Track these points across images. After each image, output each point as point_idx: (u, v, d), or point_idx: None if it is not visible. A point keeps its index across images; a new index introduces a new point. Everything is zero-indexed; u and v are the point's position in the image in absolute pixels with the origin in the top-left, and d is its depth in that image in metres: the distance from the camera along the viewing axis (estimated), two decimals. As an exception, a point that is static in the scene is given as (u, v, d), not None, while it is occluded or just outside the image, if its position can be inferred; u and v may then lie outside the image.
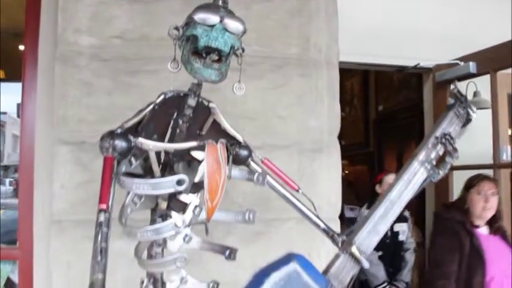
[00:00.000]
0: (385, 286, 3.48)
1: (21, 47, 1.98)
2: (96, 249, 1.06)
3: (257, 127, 1.90)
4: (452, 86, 1.64)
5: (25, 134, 1.89)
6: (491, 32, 3.21)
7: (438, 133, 1.51)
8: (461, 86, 3.96)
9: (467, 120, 1.59)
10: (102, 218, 1.09)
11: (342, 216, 5.51)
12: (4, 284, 2.16)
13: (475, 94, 3.91)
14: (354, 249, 1.33)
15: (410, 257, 3.69)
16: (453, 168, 3.86)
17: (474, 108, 1.59)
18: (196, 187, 1.29)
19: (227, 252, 1.37)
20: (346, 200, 5.62)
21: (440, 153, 1.50)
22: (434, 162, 1.48)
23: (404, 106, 4.87)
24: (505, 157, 3.68)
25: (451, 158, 1.48)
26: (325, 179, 1.99)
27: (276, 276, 1.18)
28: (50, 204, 1.81)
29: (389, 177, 3.61)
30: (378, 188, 3.71)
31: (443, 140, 1.47)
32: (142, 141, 1.21)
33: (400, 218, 3.32)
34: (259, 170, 1.41)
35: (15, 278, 2.09)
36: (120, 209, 1.29)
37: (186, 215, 1.29)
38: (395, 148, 5.08)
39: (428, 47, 3.53)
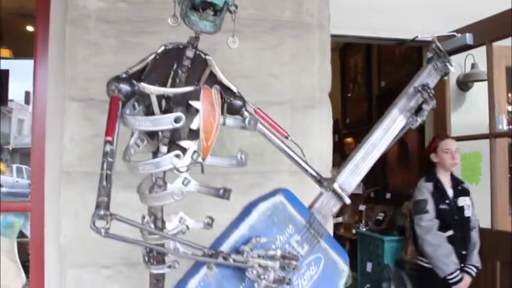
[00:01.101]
0: (457, 275, 2.99)
1: (28, 28, 2.10)
2: (102, 176, 1.19)
3: (252, 85, 2.02)
4: (432, 42, 1.74)
5: (38, 92, 2.03)
6: (490, 3, 3.26)
7: (417, 84, 1.62)
8: (460, 58, 4.01)
9: (445, 73, 1.70)
10: (108, 148, 1.21)
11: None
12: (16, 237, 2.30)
13: (473, 66, 3.96)
14: (336, 186, 1.45)
15: (477, 237, 3.22)
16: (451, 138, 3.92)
17: (452, 63, 1.70)
18: (195, 135, 1.40)
19: (221, 191, 1.49)
20: (349, 175, 5.74)
21: (419, 103, 1.61)
22: (413, 111, 1.60)
23: (405, 81, 4.85)
24: (501, 127, 3.78)
25: (428, 105, 1.59)
26: (317, 134, 2.12)
27: (263, 206, 1.32)
28: (60, 157, 1.95)
29: (446, 142, 3.31)
30: (433, 157, 3.31)
31: (421, 90, 1.59)
32: (144, 85, 1.33)
33: (462, 191, 3.25)
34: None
35: (27, 232, 2.24)
36: (124, 149, 1.41)
37: (184, 159, 1.41)
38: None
39: (428, 19, 3.57)
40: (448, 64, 1.69)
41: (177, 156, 1.32)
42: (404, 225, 4.49)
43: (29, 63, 2.21)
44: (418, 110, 1.61)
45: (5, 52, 4.68)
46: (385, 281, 3.37)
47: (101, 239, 1.92)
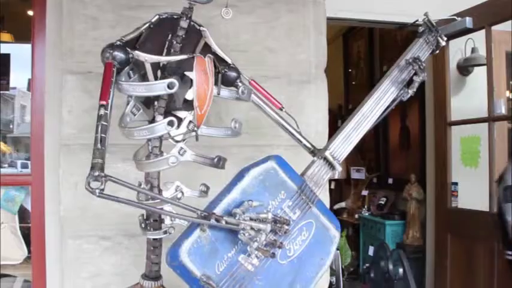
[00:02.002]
0: None
1: (30, 12, 2.12)
2: (97, 139, 1.21)
3: (248, 59, 2.04)
4: (424, 16, 1.76)
5: (36, 65, 2.06)
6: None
7: (408, 56, 1.64)
8: (461, 41, 4.00)
9: (437, 47, 1.72)
10: (102, 112, 1.23)
11: (348, 178, 5.65)
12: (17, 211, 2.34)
13: (473, 50, 3.94)
14: (327, 153, 1.48)
15: None
16: (450, 123, 3.94)
17: (444, 37, 1.71)
18: (190, 106, 1.42)
19: (216, 159, 1.52)
20: (352, 162, 5.76)
21: (411, 75, 1.64)
22: (404, 83, 1.62)
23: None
24: (499, 111, 3.77)
25: (419, 77, 1.61)
26: (313, 109, 2.14)
27: (254, 171, 1.34)
28: (59, 130, 1.98)
29: None
30: None
31: (412, 62, 1.61)
32: (138, 53, 1.35)
33: None
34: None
35: (28, 206, 2.28)
36: (120, 116, 1.44)
37: (180, 129, 1.44)
38: (398, 109, 5.13)
39: (429, 3, 3.56)
40: (439, 38, 1.71)
41: (171, 122, 1.34)
42: (405, 209, 4.53)
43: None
44: (410, 83, 1.64)
45: (6, 36, 4.70)
46: (383, 259, 3.38)
47: (101, 211, 1.98)
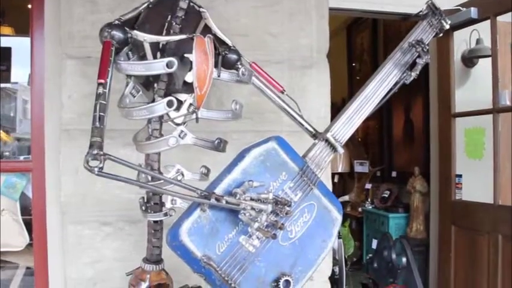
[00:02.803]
0: None
1: (30, 6, 2.11)
2: (95, 117, 1.20)
3: (249, 43, 2.02)
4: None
5: (35, 50, 2.04)
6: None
7: (411, 39, 1.62)
8: (466, 32, 3.97)
9: (441, 30, 1.70)
10: (100, 90, 1.22)
11: (352, 171, 5.62)
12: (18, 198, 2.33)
13: (478, 42, 3.91)
14: (329, 135, 1.46)
15: None
16: (455, 115, 3.91)
17: (448, 20, 1.69)
18: (190, 88, 1.40)
19: (217, 142, 1.51)
20: (355, 155, 5.74)
21: (414, 58, 1.61)
22: (407, 66, 1.60)
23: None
24: (504, 102, 3.74)
25: (422, 60, 1.59)
26: (315, 95, 2.12)
27: (255, 151, 1.32)
28: (59, 115, 1.97)
29: None
30: None
31: (416, 44, 1.58)
32: (137, 33, 1.33)
33: None
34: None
35: (29, 193, 2.26)
36: (120, 97, 1.42)
37: (180, 111, 1.43)
38: (402, 101, 5.11)
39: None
40: (443, 21, 1.68)
41: (170, 102, 1.32)
42: (409, 202, 4.50)
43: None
44: (413, 66, 1.61)
45: (7, 30, 4.68)
46: (386, 249, 3.36)
47: (102, 196, 1.96)
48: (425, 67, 3.65)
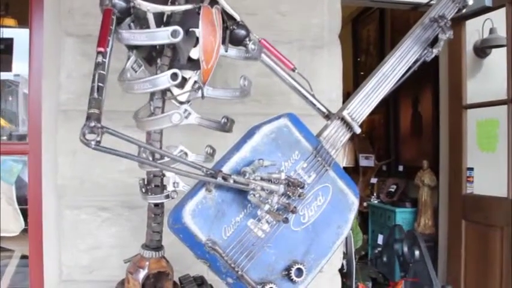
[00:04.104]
0: None
1: None
2: (93, 88, 1.10)
3: (257, 22, 1.90)
4: None
5: (34, 28, 1.94)
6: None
7: (433, 14, 1.51)
8: (478, 22, 3.88)
9: (463, 6, 1.59)
10: (99, 59, 1.12)
11: (357, 165, 5.54)
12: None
13: (491, 31, 3.83)
14: (345, 113, 1.35)
15: None
16: (466, 106, 3.83)
17: (471, -4, 1.59)
18: (196, 65, 1.31)
19: (223, 120, 1.41)
20: (360, 148, 5.64)
21: (435, 34, 1.51)
22: (428, 42, 1.50)
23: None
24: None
25: (445, 35, 1.48)
26: (326, 76, 2.01)
27: (266, 128, 1.22)
28: (57, 95, 1.87)
29: None
30: None
31: (438, 19, 1.48)
32: (140, 2, 1.23)
33: None
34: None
35: (25, 178, 2.17)
36: (120, 72, 1.32)
37: (185, 88, 1.33)
38: (410, 94, 5.02)
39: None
40: (467, -4, 1.57)
41: (175, 75, 1.22)
42: (416, 197, 4.41)
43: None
44: (434, 43, 1.51)
45: (10, 22, 4.61)
46: (397, 242, 3.24)
47: (100, 180, 1.87)
48: (435, 58, 3.56)
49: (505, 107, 3.43)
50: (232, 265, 1.11)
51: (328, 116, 1.46)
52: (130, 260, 1.41)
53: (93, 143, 0.98)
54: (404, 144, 5.22)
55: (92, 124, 1.00)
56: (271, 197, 1.10)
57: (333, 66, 2.04)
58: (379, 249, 3.64)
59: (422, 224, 4.25)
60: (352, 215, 1.30)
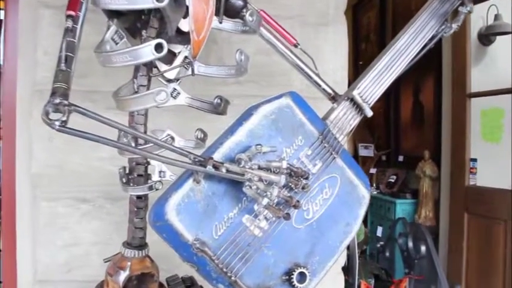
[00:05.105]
0: None
1: None
2: (61, 58, 0.92)
3: (255, -5, 1.74)
4: None
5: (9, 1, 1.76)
6: None
7: None
8: (483, 8, 3.78)
9: None
10: (69, 24, 0.96)
11: (356, 155, 5.44)
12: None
13: (496, 17, 3.76)
14: (355, 93, 1.18)
15: None
16: (470, 95, 3.73)
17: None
18: (186, 39, 1.15)
19: (216, 101, 1.24)
20: (360, 138, 5.53)
21: (454, 7, 1.35)
22: (447, 16, 1.34)
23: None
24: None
25: (465, 8, 1.32)
26: (331, 56, 1.83)
27: (265, 109, 1.04)
28: (33, 74, 1.69)
29: None
30: None
31: None
32: None
33: None
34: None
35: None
36: (98, 44, 1.15)
37: (174, 64, 1.17)
38: (411, 82, 4.90)
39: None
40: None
41: (160, 46, 1.04)
42: (417, 188, 4.33)
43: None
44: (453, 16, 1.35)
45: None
46: (402, 236, 3.09)
47: (80, 169, 1.69)
48: (438, 45, 3.44)
49: (510, 96, 3.37)
50: (224, 269, 0.94)
51: (334, 98, 1.29)
52: (111, 260, 1.25)
53: (57, 123, 0.81)
54: (404, 134, 5.13)
55: (57, 101, 0.83)
56: (270, 189, 0.93)
57: (339, 45, 1.86)
58: (381, 243, 3.49)
59: (423, 216, 4.18)
60: (363, 210, 1.13)
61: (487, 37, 3.91)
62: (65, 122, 0.83)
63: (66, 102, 0.84)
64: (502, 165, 3.44)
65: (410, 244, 2.98)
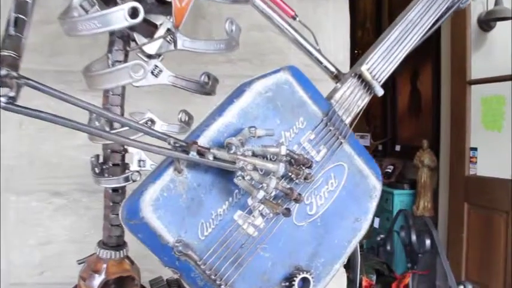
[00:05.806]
0: None
1: None
2: (9, 21, 0.77)
3: (247, -37, 1.58)
4: None
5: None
6: None
7: None
8: (483, -6, 3.71)
9: None
10: None
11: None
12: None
13: (497, 2, 3.66)
14: (364, 68, 1.02)
15: None
16: (470, 82, 3.62)
17: None
18: (168, 9, 0.99)
19: (203, 77, 1.08)
20: (356, 127, 5.45)
21: None
22: None
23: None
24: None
25: None
26: (331, 31, 1.68)
27: (260, 85, 0.88)
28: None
29: None
30: None
31: None
32: None
33: None
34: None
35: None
36: (64, 9, 0.98)
37: (155, 37, 1.01)
38: (408, 69, 4.78)
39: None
40: None
41: (134, 11, 0.87)
42: (415, 178, 4.23)
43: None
44: None
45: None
46: (404, 229, 2.96)
47: (53, 159, 1.51)
48: (437, 30, 3.29)
49: (511, 82, 3.29)
50: (213, 276, 0.79)
51: (337, 77, 1.13)
52: (85, 261, 1.09)
53: (3, 99, 0.65)
54: (401, 123, 5.03)
55: (3, 72, 0.67)
56: (266, 180, 0.78)
57: (340, 21, 1.71)
58: (382, 236, 3.36)
59: (421, 207, 4.10)
60: (374, 204, 0.99)
61: (487, 22, 3.81)
62: (14, 98, 0.67)
63: (15, 74, 0.68)
64: (504, 154, 3.36)
65: (414, 237, 2.84)
